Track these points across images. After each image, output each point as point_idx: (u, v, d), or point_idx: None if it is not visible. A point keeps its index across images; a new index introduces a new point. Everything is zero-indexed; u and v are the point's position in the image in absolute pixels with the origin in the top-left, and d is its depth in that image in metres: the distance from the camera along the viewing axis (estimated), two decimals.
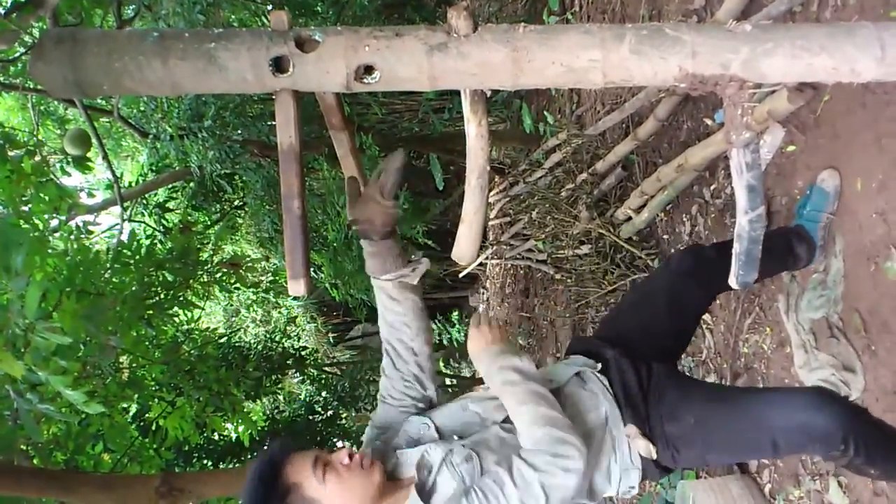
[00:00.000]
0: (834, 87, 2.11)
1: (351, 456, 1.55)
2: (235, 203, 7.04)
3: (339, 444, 6.45)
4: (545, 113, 4.71)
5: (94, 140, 4.22)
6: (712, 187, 3.01)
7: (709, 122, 3.01)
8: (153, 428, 4.03)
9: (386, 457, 1.65)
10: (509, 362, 1.61)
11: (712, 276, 1.93)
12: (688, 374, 2.58)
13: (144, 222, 5.81)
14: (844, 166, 2.21)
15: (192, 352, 4.13)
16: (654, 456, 1.67)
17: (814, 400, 1.56)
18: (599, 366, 1.78)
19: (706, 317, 3.06)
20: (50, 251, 3.13)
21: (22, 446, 2.75)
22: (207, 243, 6.11)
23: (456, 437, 1.65)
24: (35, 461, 2.89)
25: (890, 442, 1.66)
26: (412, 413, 1.74)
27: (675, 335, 2.02)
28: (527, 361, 1.62)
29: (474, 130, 1.29)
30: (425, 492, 1.55)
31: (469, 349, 1.68)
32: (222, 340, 5.53)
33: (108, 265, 3.35)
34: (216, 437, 5.12)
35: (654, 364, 1.82)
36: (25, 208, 3.12)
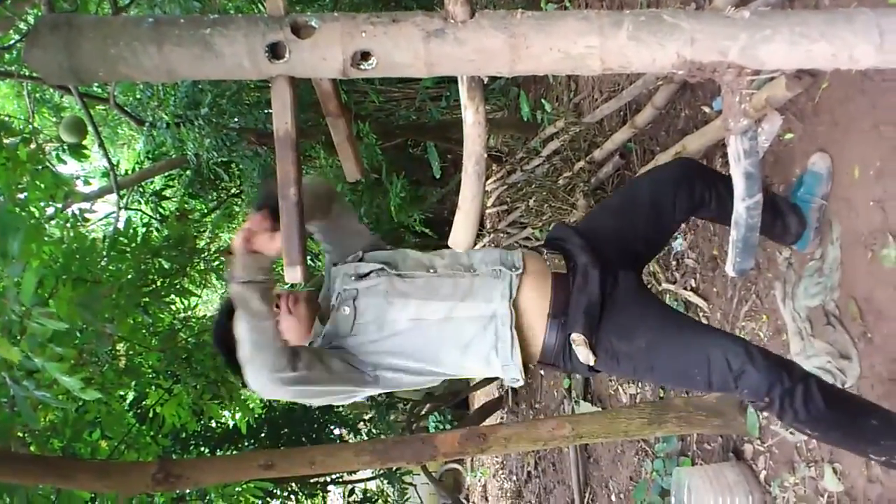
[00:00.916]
0: (832, 74, 2.11)
1: (278, 304, 1.94)
2: (232, 191, 7.01)
3: (336, 431, 6.47)
4: (543, 101, 4.70)
5: (89, 128, 4.20)
6: None
7: (707, 109, 3.00)
8: (150, 415, 4.01)
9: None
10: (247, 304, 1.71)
11: (696, 189, 2.02)
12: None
13: (141, 210, 5.79)
14: (842, 154, 2.21)
15: (189, 339, 4.12)
16: (592, 363, 1.84)
17: (751, 352, 1.71)
18: (519, 271, 1.88)
19: (702, 304, 3.06)
20: (46, 239, 3.12)
21: (19, 433, 2.74)
22: (204, 231, 6.10)
23: (372, 270, 1.91)
24: (32, 448, 2.89)
25: (842, 413, 1.77)
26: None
27: (648, 243, 2.11)
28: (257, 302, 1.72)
29: (471, 117, 1.28)
30: (325, 319, 1.94)
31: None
32: None
33: (104, 253, 3.34)
34: (213, 425, 5.13)
35: (622, 273, 1.93)
36: (21, 196, 3.10)
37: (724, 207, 1.57)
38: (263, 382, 1.72)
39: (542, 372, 5.93)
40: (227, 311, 1.90)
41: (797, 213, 2.25)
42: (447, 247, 1.57)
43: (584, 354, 1.82)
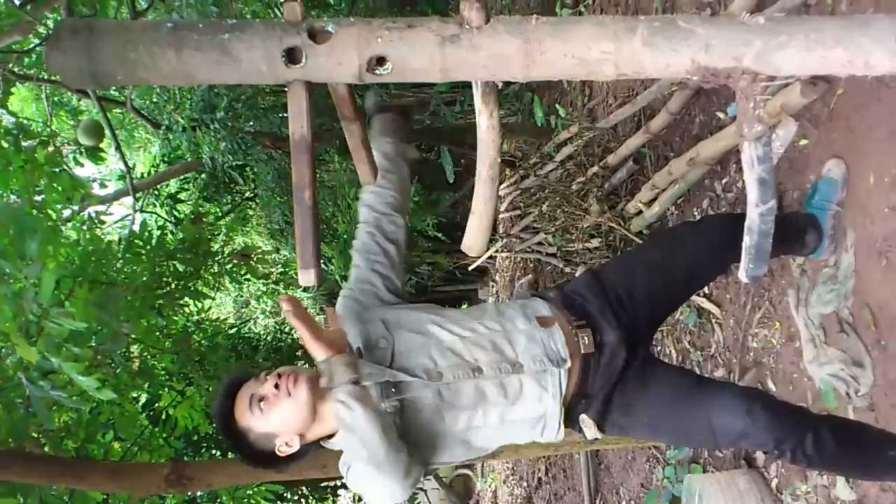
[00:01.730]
0: (848, 80, 2.11)
1: (277, 385, 1.67)
2: (247, 194, 7.05)
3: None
4: (557, 106, 4.71)
5: (107, 131, 4.24)
6: (724, 181, 3.01)
7: (721, 115, 3.00)
8: (163, 417, 4.04)
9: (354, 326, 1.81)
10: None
11: (728, 257, 2.00)
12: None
13: (156, 213, 5.83)
14: (857, 160, 2.20)
15: (203, 342, 4.15)
16: (599, 437, 1.86)
17: (752, 410, 1.72)
18: (567, 365, 1.78)
19: (715, 311, 3.05)
20: (62, 241, 3.15)
21: (33, 434, 2.77)
22: (218, 234, 6.14)
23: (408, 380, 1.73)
24: (46, 449, 2.91)
25: (857, 451, 1.82)
26: (380, 292, 1.89)
27: (673, 306, 2.19)
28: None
29: (485, 122, 1.29)
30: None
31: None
32: (232, 331, 5.55)
33: (119, 255, 3.37)
34: None
35: (640, 350, 1.91)
36: (39, 198, 3.14)
37: None
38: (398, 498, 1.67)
39: None
40: (229, 393, 1.75)
41: (814, 225, 2.24)
42: (460, 251, 1.57)
43: (590, 434, 1.84)
